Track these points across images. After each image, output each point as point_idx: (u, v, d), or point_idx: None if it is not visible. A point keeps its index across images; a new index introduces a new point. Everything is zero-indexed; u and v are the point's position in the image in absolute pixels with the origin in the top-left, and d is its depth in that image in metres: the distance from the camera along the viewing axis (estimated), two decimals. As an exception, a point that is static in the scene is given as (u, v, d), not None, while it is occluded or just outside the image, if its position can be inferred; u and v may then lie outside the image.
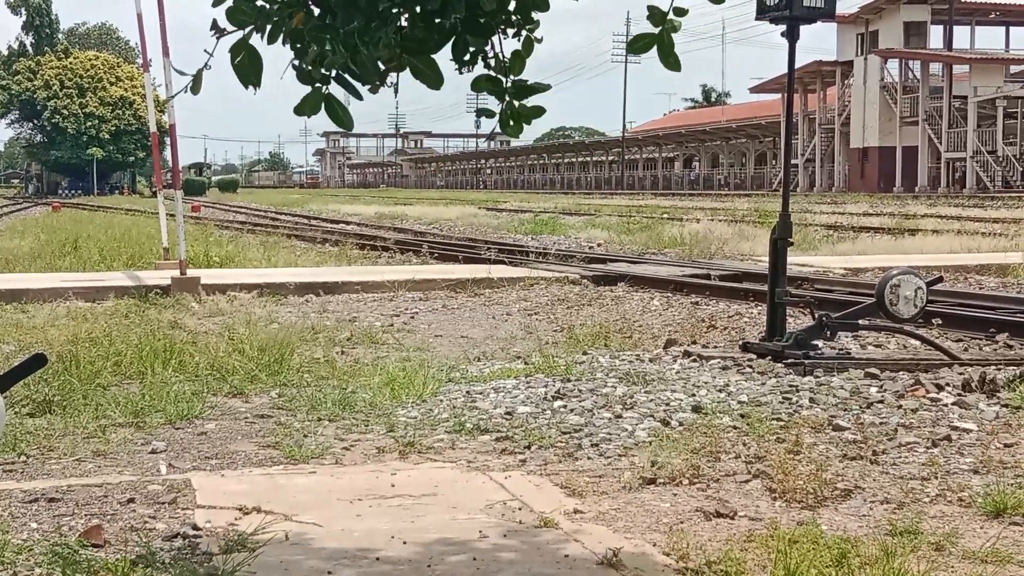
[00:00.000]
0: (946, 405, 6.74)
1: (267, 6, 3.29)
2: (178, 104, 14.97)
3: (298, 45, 3.32)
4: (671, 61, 3.51)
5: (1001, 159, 64.11)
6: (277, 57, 3.36)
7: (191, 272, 13.99)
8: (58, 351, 8.06)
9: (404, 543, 4.33)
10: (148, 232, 23.05)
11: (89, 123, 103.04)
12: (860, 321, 8.60)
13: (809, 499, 4.96)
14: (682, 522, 4.69)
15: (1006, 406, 6.68)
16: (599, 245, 23.41)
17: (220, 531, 4.49)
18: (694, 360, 8.39)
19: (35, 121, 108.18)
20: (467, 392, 7.30)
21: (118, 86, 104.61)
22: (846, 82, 77.78)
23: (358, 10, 3.25)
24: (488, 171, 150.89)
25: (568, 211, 42.75)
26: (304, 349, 8.92)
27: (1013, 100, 65.38)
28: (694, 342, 9.38)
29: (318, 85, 3.32)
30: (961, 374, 7.61)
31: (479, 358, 8.88)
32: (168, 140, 15.68)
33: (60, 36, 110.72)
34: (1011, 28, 76.33)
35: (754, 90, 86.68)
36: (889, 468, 5.48)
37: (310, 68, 3.31)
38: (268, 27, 3.28)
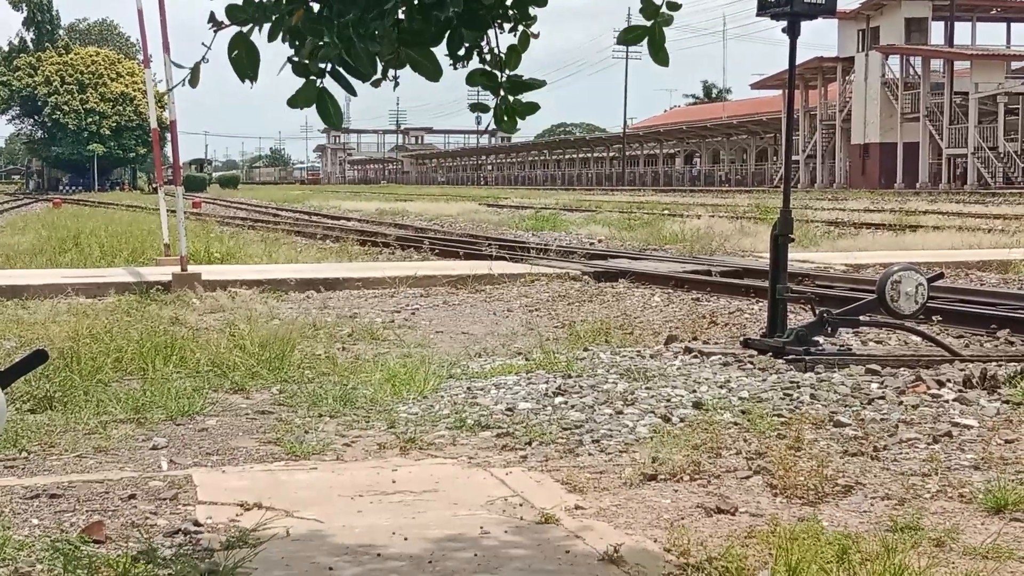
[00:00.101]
0: (947, 401, 6.74)
1: (267, 2, 3.29)
2: (179, 99, 14.97)
3: (296, 42, 3.32)
4: (661, 56, 3.51)
5: (1002, 155, 64.08)
6: (276, 55, 3.36)
7: (192, 268, 14.00)
8: (59, 347, 8.06)
9: (405, 539, 4.33)
10: (149, 228, 23.05)
11: (90, 119, 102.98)
12: (861, 317, 8.60)
13: (810, 495, 4.96)
14: (683, 518, 4.69)
15: (1007, 402, 6.68)
16: (600, 241, 23.42)
17: (221, 527, 4.49)
18: (695, 356, 8.39)
19: (36, 117, 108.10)
20: (468, 388, 7.30)
21: (119, 82, 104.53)
22: (847, 78, 77.73)
23: (354, 3, 3.24)
24: (489, 167, 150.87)
25: (569, 207, 42.74)
26: (305, 345, 8.92)
27: (1014, 96, 65.32)
28: (695, 338, 9.38)
29: (313, 78, 3.32)
30: (962, 370, 7.60)
31: (480, 354, 8.89)
32: (169, 136, 15.68)
33: (61, 32, 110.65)
34: (1012, 24, 76.30)
35: (755, 86, 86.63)
36: (890, 464, 5.48)
37: (307, 62, 3.30)
38: (267, 25, 3.28)
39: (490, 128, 3.63)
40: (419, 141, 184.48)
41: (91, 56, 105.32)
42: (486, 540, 4.34)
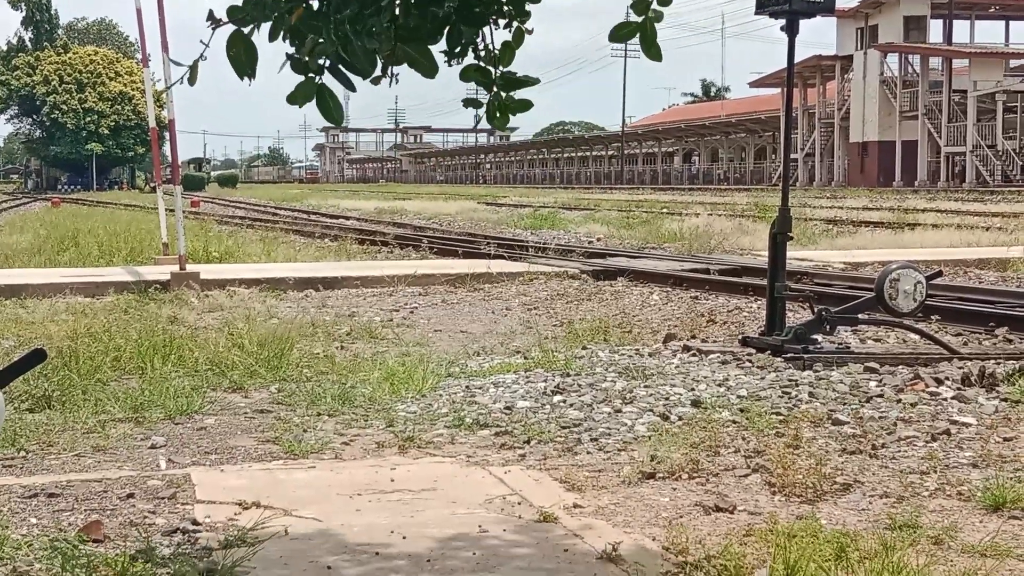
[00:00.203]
0: (945, 399, 6.74)
1: (266, 0, 3.28)
2: (177, 98, 14.95)
3: (296, 40, 3.32)
4: (653, 51, 3.51)
5: (1001, 153, 64.11)
6: (275, 52, 3.36)
7: (190, 267, 14.00)
8: (57, 346, 8.06)
9: (404, 538, 4.33)
10: (147, 227, 23.03)
11: (88, 118, 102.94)
12: (859, 315, 8.60)
13: (808, 493, 4.96)
14: (681, 516, 4.69)
15: (1005, 400, 6.69)
16: (598, 240, 23.42)
17: (220, 526, 4.49)
18: (693, 355, 8.39)
19: (34, 116, 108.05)
20: (466, 387, 7.30)
21: (117, 81, 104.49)
22: (846, 76, 77.76)
23: None
24: (487, 166, 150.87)
25: (567, 206, 42.74)
26: (303, 344, 8.92)
27: (1013, 94, 65.41)
28: (693, 336, 9.38)
29: (311, 75, 3.32)
30: (960, 368, 7.60)
31: (478, 353, 8.89)
32: (167, 135, 15.67)
33: (59, 31, 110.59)
34: (1011, 22, 76.37)
35: (753, 84, 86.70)
36: (888, 462, 5.48)
37: (306, 59, 3.30)
38: (267, 24, 3.28)
39: (477, 122, 3.63)
40: (418, 140, 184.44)
41: (90, 55, 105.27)
42: (485, 539, 4.34)
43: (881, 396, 6.87)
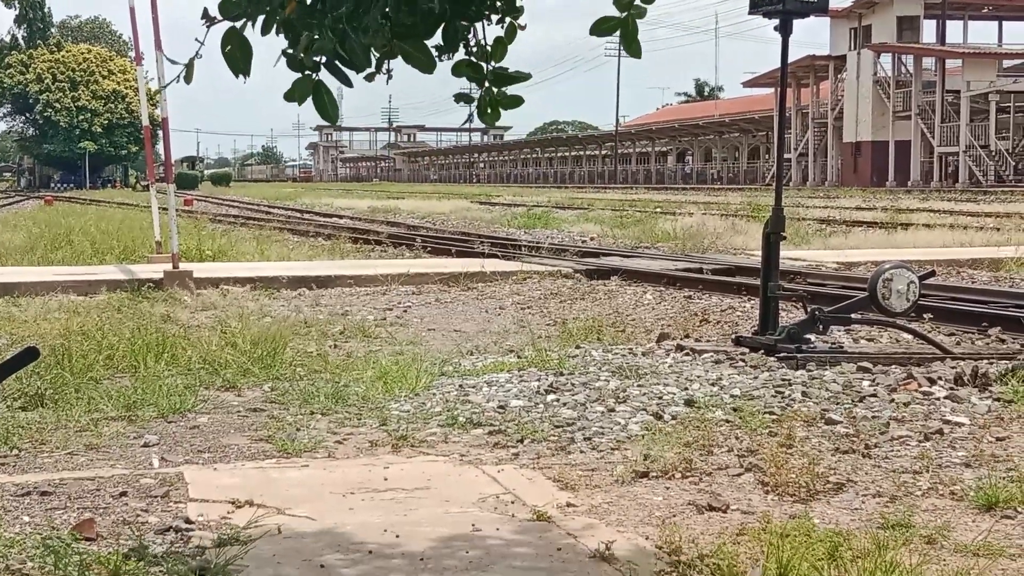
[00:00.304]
0: (938, 399, 6.75)
1: None
2: (171, 97, 14.95)
3: (290, 34, 3.31)
4: (633, 48, 3.50)
5: (994, 153, 64.21)
6: (269, 49, 3.35)
7: (183, 266, 13.98)
8: (50, 344, 8.05)
9: (397, 536, 4.33)
10: (141, 226, 22.99)
11: (81, 117, 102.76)
12: (852, 315, 8.61)
13: (801, 492, 4.96)
14: (674, 515, 4.70)
15: (998, 400, 6.70)
16: (592, 239, 23.42)
17: (213, 524, 4.48)
18: (687, 354, 8.39)
19: (27, 115, 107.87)
20: (460, 386, 7.30)
21: (110, 80, 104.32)
22: (839, 76, 77.84)
23: None
24: (481, 165, 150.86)
25: (561, 205, 42.74)
26: (297, 343, 8.92)
27: (1006, 95, 65.50)
28: (687, 336, 9.38)
29: (308, 72, 3.31)
30: (953, 368, 7.62)
31: (472, 352, 8.89)
32: (160, 134, 15.66)
33: (53, 29, 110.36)
34: (1004, 22, 76.47)
35: (747, 84, 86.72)
36: (881, 462, 5.49)
37: (301, 56, 3.29)
38: (261, 17, 3.27)
39: (469, 117, 3.62)
40: (411, 139, 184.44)
41: (83, 53, 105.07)
42: (478, 538, 4.34)
43: (874, 396, 6.87)
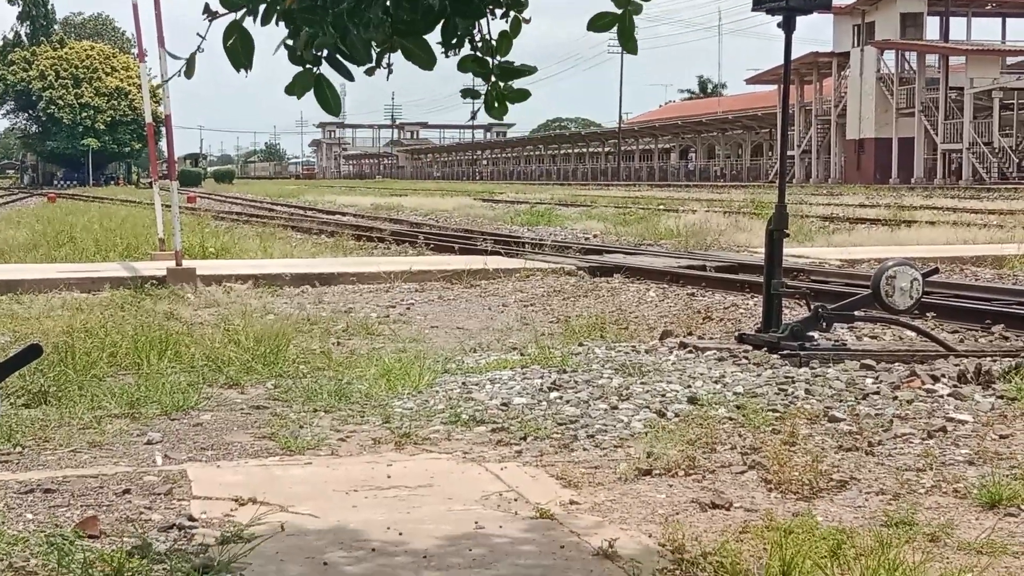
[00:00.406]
0: (942, 396, 6.74)
1: None
2: (173, 93, 14.96)
3: (291, 26, 3.31)
4: (630, 45, 3.48)
5: (997, 150, 64.14)
6: (271, 44, 3.35)
7: (187, 263, 13.99)
8: (54, 342, 8.05)
9: (400, 534, 4.33)
10: (144, 223, 23.01)
11: (84, 114, 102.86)
12: (856, 312, 8.60)
13: (805, 490, 4.96)
14: (678, 513, 4.69)
15: (1002, 397, 6.69)
16: (595, 236, 23.42)
17: (216, 522, 4.48)
18: (690, 351, 8.39)
19: (30, 112, 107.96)
20: (463, 383, 7.30)
21: (114, 76, 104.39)
22: (842, 73, 77.78)
23: None
24: (484, 162, 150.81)
25: (564, 202, 42.73)
26: (300, 340, 8.92)
27: (1009, 91, 65.46)
28: (690, 333, 9.38)
29: (309, 66, 3.31)
30: (957, 365, 7.61)
31: (475, 349, 8.88)
32: (163, 130, 15.66)
33: (56, 26, 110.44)
34: (1007, 19, 76.33)
35: (750, 81, 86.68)
36: (884, 459, 5.48)
37: (302, 50, 3.29)
38: (262, 8, 3.26)
39: (474, 112, 3.61)
40: (414, 136, 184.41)
41: (86, 50, 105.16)
42: (481, 535, 4.34)
43: (877, 393, 6.87)
